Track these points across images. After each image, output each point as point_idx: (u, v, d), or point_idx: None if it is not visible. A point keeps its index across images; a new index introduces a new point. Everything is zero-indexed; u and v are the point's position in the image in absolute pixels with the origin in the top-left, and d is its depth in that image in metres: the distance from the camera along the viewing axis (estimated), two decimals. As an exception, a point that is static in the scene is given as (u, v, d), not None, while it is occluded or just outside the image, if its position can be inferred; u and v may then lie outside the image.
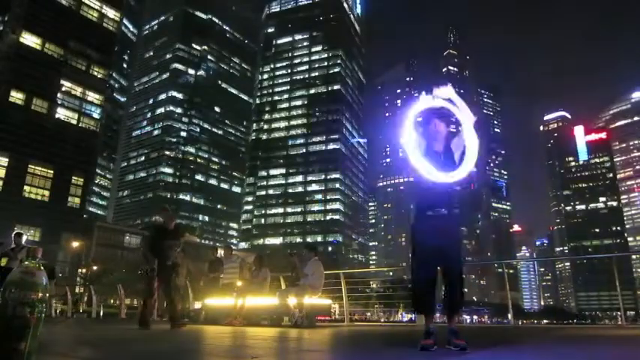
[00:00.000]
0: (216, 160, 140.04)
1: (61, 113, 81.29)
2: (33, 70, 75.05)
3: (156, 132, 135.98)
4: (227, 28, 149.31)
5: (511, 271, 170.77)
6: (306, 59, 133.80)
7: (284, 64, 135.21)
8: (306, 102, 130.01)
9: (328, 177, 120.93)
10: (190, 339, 4.67)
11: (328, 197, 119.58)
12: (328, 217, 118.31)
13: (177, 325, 6.13)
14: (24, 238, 8.18)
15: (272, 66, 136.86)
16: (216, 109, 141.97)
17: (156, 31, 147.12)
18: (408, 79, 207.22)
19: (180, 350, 3.55)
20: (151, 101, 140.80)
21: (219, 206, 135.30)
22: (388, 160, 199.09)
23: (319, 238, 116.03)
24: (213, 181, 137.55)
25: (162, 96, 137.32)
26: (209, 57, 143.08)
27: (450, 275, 3.30)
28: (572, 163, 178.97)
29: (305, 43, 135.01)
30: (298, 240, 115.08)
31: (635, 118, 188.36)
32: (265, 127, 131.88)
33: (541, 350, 3.67)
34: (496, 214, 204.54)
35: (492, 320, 78.26)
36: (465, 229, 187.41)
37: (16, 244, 7.94)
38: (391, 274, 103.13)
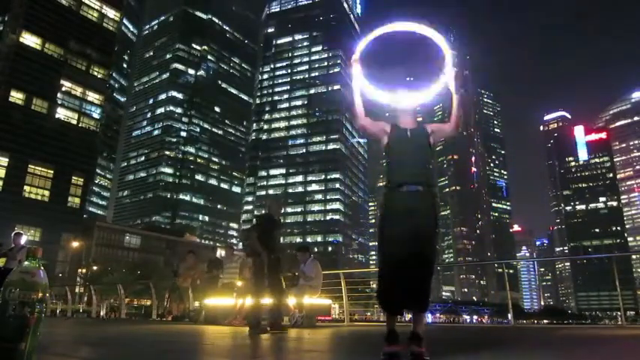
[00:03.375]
0: (216, 160, 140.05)
1: (61, 113, 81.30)
2: (33, 70, 75.08)
3: (156, 132, 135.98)
4: (227, 28, 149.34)
5: (511, 271, 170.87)
6: (306, 59, 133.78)
7: (284, 64, 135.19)
8: (306, 102, 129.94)
9: (328, 177, 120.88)
10: (190, 339, 4.67)
11: (328, 197, 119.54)
12: (328, 217, 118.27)
13: (277, 331, 5.36)
14: (23, 238, 8.16)
15: (272, 66, 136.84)
16: (216, 109, 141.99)
17: (156, 31, 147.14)
18: (407, 79, 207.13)
19: (180, 350, 3.55)
20: (150, 101, 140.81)
21: (219, 206, 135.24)
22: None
23: (319, 238, 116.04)
24: (213, 181, 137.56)
25: (162, 96, 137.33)
26: (209, 57, 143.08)
27: (421, 266, 2.63)
28: (572, 163, 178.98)
29: (305, 43, 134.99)
30: (298, 240, 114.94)
31: (635, 118, 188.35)
32: (265, 127, 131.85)
33: (541, 350, 3.67)
34: (496, 214, 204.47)
35: (492, 320, 78.20)
36: (466, 229, 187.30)
37: (15, 244, 7.92)
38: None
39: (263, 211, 6.29)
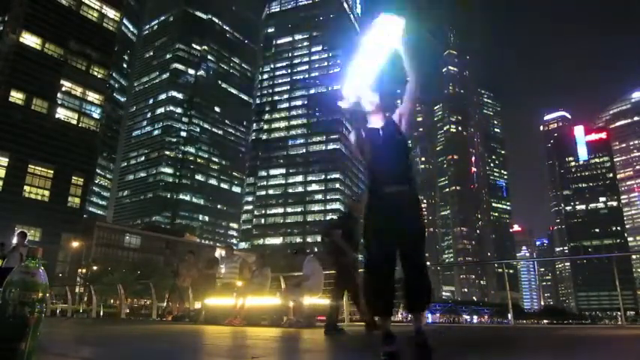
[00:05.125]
0: (216, 160, 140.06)
1: (61, 113, 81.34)
2: (33, 70, 75.14)
3: (156, 132, 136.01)
4: (227, 28, 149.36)
5: (511, 271, 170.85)
6: (306, 59, 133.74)
7: (284, 64, 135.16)
8: (306, 102, 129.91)
9: (328, 177, 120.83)
10: (190, 339, 4.67)
11: (328, 197, 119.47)
12: (328, 217, 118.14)
13: (372, 329, 5.21)
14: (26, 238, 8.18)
15: (272, 66, 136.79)
16: (216, 109, 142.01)
17: (156, 31, 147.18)
18: (408, 79, 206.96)
19: (180, 350, 3.55)
20: (150, 101, 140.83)
21: (219, 206, 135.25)
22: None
23: (319, 238, 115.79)
24: (213, 181, 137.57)
25: (162, 96, 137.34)
26: (209, 57, 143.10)
27: (413, 259, 2.68)
28: (572, 163, 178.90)
29: (305, 43, 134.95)
30: (298, 240, 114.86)
31: (635, 118, 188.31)
32: (265, 127, 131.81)
33: (541, 350, 3.67)
34: (496, 214, 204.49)
35: (492, 320, 78.20)
36: (466, 229, 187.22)
37: (17, 242, 7.96)
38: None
39: (343, 209, 6.16)
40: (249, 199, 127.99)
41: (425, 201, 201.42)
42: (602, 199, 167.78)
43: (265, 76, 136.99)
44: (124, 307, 15.52)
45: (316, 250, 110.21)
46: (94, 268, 57.69)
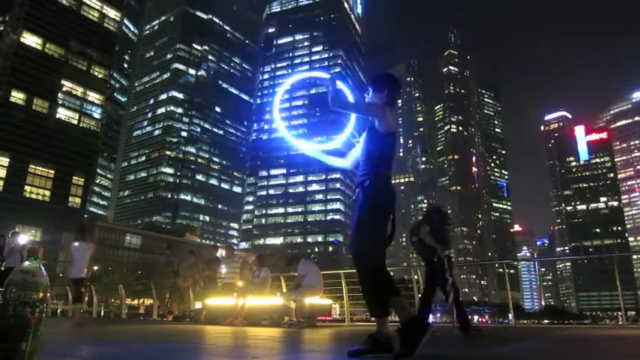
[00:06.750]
0: (217, 160, 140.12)
1: (62, 113, 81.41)
2: (33, 70, 75.24)
3: (156, 132, 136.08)
4: (227, 28, 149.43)
5: (512, 271, 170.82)
6: (306, 59, 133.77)
7: (284, 64, 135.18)
8: (306, 102, 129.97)
9: (329, 177, 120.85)
10: (190, 339, 4.67)
11: (329, 197, 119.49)
12: (329, 217, 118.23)
13: (468, 333, 5.01)
14: (22, 237, 8.21)
15: (272, 66, 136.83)
16: (217, 109, 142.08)
17: (156, 31, 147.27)
18: (408, 79, 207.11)
19: (180, 350, 3.54)
20: (151, 101, 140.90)
21: (219, 206, 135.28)
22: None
23: (320, 238, 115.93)
24: (213, 181, 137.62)
25: (163, 96, 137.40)
26: (209, 57, 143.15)
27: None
28: (573, 163, 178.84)
29: (305, 43, 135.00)
30: (299, 240, 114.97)
31: (636, 118, 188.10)
32: (266, 127, 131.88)
33: (542, 350, 3.66)
34: (497, 214, 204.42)
35: (493, 320, 78.12)
36: (466, 229, 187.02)
37: (13, 244, 8.00)
38: (392, 273, 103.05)
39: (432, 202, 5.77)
40: (250, 199, 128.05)
41: (425, 201, 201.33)
42: (602, 199, 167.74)
43: (266, 76, 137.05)
44: (124, 308, 15.53)
45: (317, 249, 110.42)
46: (95, 268, 57.65)
